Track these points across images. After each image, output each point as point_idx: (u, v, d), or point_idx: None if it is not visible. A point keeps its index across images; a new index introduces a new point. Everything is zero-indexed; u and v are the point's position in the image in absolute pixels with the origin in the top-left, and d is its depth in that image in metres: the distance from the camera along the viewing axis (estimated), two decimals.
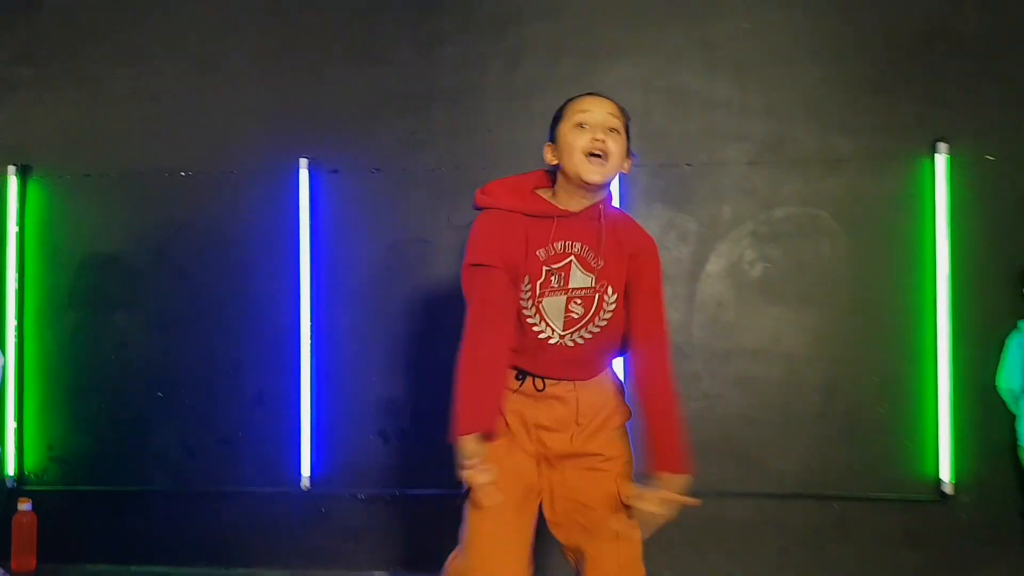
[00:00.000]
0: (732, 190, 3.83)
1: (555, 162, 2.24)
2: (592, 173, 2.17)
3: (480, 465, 2.07)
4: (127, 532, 4.04)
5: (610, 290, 2.23)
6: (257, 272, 3.99)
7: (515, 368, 2.25)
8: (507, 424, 2.25)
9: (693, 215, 3.85)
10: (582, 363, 2.28)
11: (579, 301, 2.21)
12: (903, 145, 3.74)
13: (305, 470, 3.89)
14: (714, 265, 3.83)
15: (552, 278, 2.20)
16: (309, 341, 3.90)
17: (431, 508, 3.80)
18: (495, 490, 2.08)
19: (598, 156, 2.17)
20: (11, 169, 4.06)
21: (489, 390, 2.13)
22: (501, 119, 3.93)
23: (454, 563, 2.30)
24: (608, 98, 2.28)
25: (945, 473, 3.66)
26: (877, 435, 3.73)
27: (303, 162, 3.92)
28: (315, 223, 3.94)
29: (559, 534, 2.31)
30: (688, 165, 3.84)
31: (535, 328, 2.22)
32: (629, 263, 2.25)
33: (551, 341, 2.22)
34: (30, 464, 4.02)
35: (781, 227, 3.80)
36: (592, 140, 2.17)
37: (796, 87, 3.82)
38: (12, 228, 4.04)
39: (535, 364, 2.25)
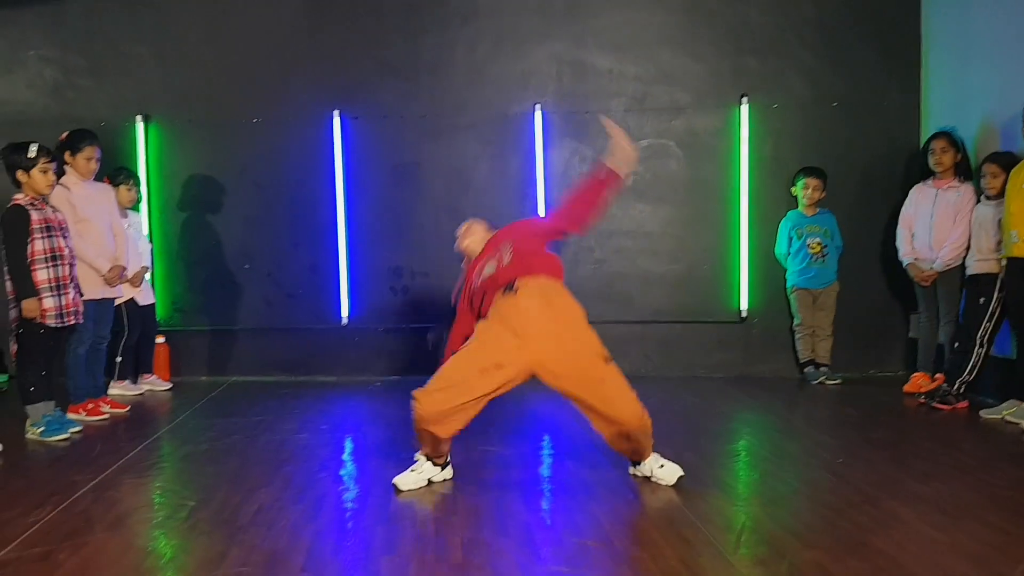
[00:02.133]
0: None
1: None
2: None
3: None
4: (226, 356, 6.15)
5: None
6: (307, 185, 6.01)
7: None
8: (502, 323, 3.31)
9: (590, 145, 5.93)
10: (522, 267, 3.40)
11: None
12: (722, 99, 5.85)
13: (344, 312, 6.03)
14: None
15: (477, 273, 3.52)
16: (344, 229, 5.98)
17: (423, 335, 5.92)
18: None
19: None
20: (138, 117, 6.03)
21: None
22: (465, 83, 5.95)
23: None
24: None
25: (744, 305, 5.87)
26: (703, 283, 5.93)
27: (336, 112, 5.95)
28: (346, 153, 5.97)
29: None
30: (586, 112, 5.90)
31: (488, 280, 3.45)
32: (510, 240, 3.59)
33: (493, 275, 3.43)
34: (161, 313, 6.05)
35: (645, 152, 5.88)
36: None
37: (654, 61, 5.88)
38: (142, 156, 6.03)
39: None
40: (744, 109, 5.79)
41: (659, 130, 5.89)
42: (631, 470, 3.53)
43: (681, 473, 3.40)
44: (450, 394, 3.22)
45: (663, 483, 3.40)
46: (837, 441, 4.12)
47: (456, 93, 5.94)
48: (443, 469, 3.48)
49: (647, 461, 3.46)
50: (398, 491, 3.35)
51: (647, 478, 3.45)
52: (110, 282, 4.88)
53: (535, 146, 5.90)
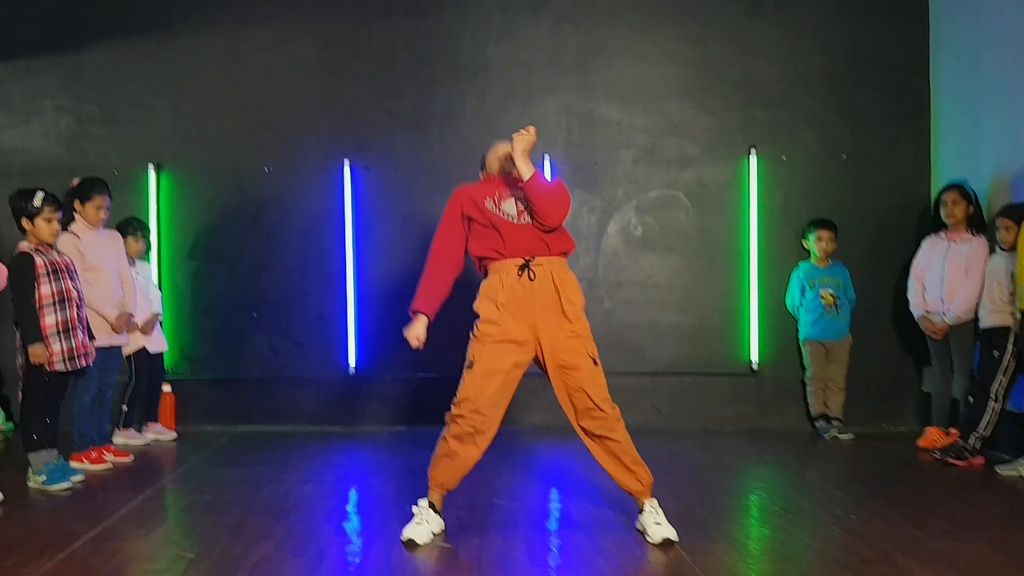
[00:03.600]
0: (622, 179, 5.94)
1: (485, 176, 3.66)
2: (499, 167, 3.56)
3: (418, 337, 3.43)
4: (233, 405, 6.11)
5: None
6: (317, 234, 6.03)
7: (508, 259, 3.36)
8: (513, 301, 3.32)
9: (599, 196, 5.95)
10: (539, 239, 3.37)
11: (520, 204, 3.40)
12: (730, 150, 5.86)
13: (351, 361, 6.00)
14: (612, 228, 5.94)
15: (497, 198, 3.43)
16: (353, 278, 5.98)
17: (432, 385, 5.87)
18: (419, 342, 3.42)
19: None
20: (151, 166, 6.08)
21: (438, 288, 3.48)
22: (475, 133, 5.98)
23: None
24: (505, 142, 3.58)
25: (754, 357, 5.82)
26: (713, 334, 5.88)
27: (346, 161, 5.99)
28: (355, 202, 6.00)
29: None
30: (595, 163, 5.93)
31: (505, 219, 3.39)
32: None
33: (513, 222, 3.37)
34: (169, 362, 6.01)
35: (653, 203, 5.91)
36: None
37: (662, 112, 5.92)
38: (153, 205, 6.07)
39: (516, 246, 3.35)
40: (753, 160, 5.81)
41: (668, 181, 5.91)
42: (637, 524, 3.45)
43: (672, 537, 3.27)
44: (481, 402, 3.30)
45: (650, 539, 3.29)
46: (851, 497, 4.04)
47: (465, 143, 5.97)
48: (440, 518, 3.42)
49: (646, 509, 3.37)
50: (414, 545, 3.26)
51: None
52: (117, 329, 4.87)
53: None
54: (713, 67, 5.89)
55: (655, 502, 3.40)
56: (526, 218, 3.40)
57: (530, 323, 3.34)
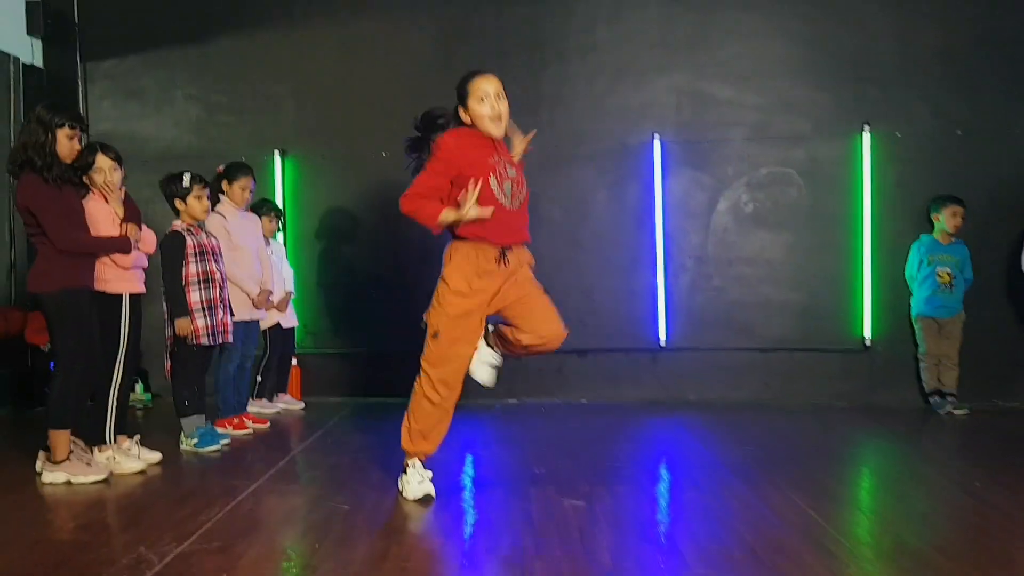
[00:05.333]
0: (733, 157, 6.00)
1: (468, 122, 3.38)
2: (496, 129, 3.35)
3: (467, 208, 3.23)
4: (353, 377, 6.41)
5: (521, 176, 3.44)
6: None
7: (492, 245, 3.34)
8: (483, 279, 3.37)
9: (709, 173, 6.02)
10: (523, 225, 3.45)
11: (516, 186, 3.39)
12: (842, 126, 5.86)
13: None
14: (722, 205, 6.01)
15: (503, 170, 3.35)
16: None
17: (543, 360, 6.04)
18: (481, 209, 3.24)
19: (499, 119, 3.33)
20: (276, 152, 6.40)
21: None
22: (585, 115, 6.10)
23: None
24: (493, 74, 3.38)
25: (868, 333, 5.82)
26: (825, 311, 5.90)
27: None
28: None
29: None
30: (706, 142, 6.00)
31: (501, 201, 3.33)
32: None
33: (508, 207, 3.34)
34: (296, 336, 6.36)
35: (765, 180, 5.95)
36: (493, 110, 3.31)
37: (774, 89, 5.95)
38: (279, 189, 6.39)
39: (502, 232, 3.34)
40: (866, 137, 5.79)
41: (780, 159, 5.94)
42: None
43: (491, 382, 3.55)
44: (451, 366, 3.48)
45: (474, 374, 3.53)
46: (973, 466, 4.06)
47: (576, 124, 6.11)
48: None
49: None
50: (430, 499, 3.50)
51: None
52: (258, 305, 5.19)
53: (654, 175, 6.01)
54: (825, 44, 5.89)
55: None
56: (519, 200, 3.43)
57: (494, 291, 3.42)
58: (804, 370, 5.92)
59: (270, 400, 5.86)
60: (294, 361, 6.17)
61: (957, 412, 5.48)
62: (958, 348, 5.58)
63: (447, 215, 3.33)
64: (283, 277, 5.86)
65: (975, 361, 5.64)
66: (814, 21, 5.89)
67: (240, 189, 5.18)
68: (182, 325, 4.48)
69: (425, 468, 3.59)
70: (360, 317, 6.37)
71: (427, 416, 3.50)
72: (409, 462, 3.57)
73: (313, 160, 6.42)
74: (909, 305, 5.75)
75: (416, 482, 3.54)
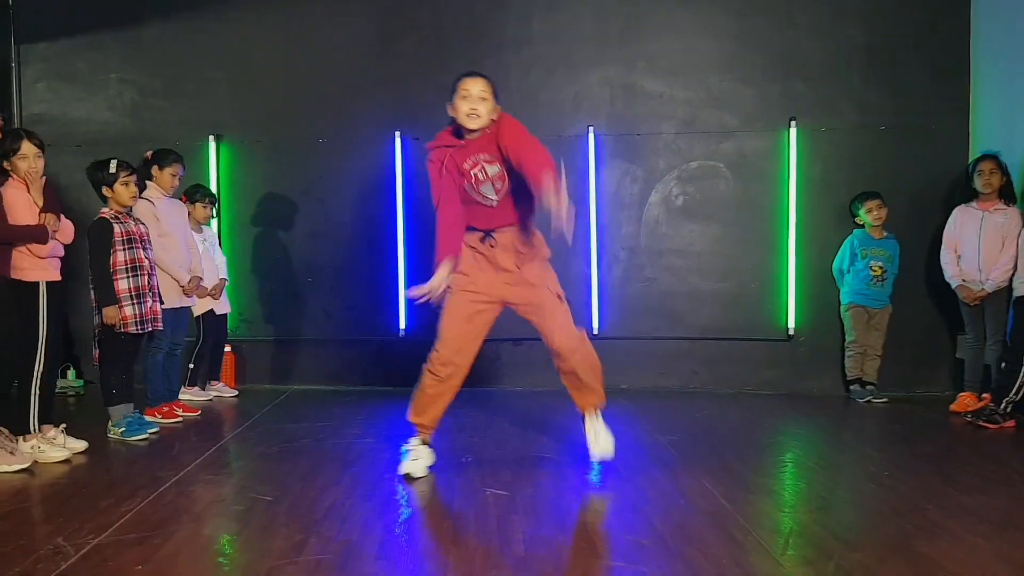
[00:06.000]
0: (664, 150, 6.11)
1: (453, 116, 3.61)
2: (471, 123, 3.54)
3: (441, 280, 3.51)
4: (289, 365, 6.44)
5: (504, 170, 3.55)
6: (369, 203, 6.28)
7: (477, 230, 3.66)
8: (478, 261, 3.69)
9: (641, 166, 6.13)
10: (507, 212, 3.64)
11: (498, 183, 3.58)
12: (769, 121, 6.00)
13: (401, 324, 6.27)
14: (654, 198, 6.12)
15: (478, 173, 3.57)
16: (403, 246, 6.22)
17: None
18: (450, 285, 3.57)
19: (474, 115, 3.52)
20: (211, 137, 6.35)
21: (452, 236, 3.62)
22: (520, 106, 6.13)
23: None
24: (481, 76, 3.58)
25: (791, 323, 6.00)
26: (751, 301, 6.07)
27: (397, 134, 6.21)
28: (406, 173, 6.23)
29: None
30: (638, 135, 6.10)
31: (480, 201, 3.61)
32: (501, 146, 3.52)
33: (488, 205, 3.62)
34: (229, 323, 6.33)
35: (694, 173, 6.08)
36: (470, 108, 3.52)
37: (703, 85, 6.07)
38: (213, 175, 6.34)
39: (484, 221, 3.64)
40: (793, 132, 5.94)
41: (708, 152, 6.07)
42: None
43: (611, 452, 3.88)
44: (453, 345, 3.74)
45: (594, 455, 3.88)
46: (884, 455, 4.23)
47: (511, 115, 6.14)
48: (431, 450, 3.89)
49: (588, 418, 3.93)
50: (411, 478, 3.72)
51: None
52: (188, 292, 5.17)
53: (588, 167, 6.10)
54: (754, 40, 6.02)
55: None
56: (501, 195, 3.64)
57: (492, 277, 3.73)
58: (730, 358, 6.08)
59: (202, 388, 5.85)
60: (228, 348, 6.15)
61: (876, 401, 5.67)
62: (883, 340, 5.78)
63: (440, 270, 3.59)
64: (216, 264, 5.84)
65: (897, 352, 5.85)
66: (743, 17, 6.02)
67: (170, 175, 5.15)
68: (110, 313, 4.45)
69: (429, 446, 3.88)
70: (295, 304, 6.38)
71: (423, 390, 3.82)
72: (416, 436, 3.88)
73: (248, 145, 6.38)
74: (835, 297, 5.92)
75: (409, 459, 3.80)
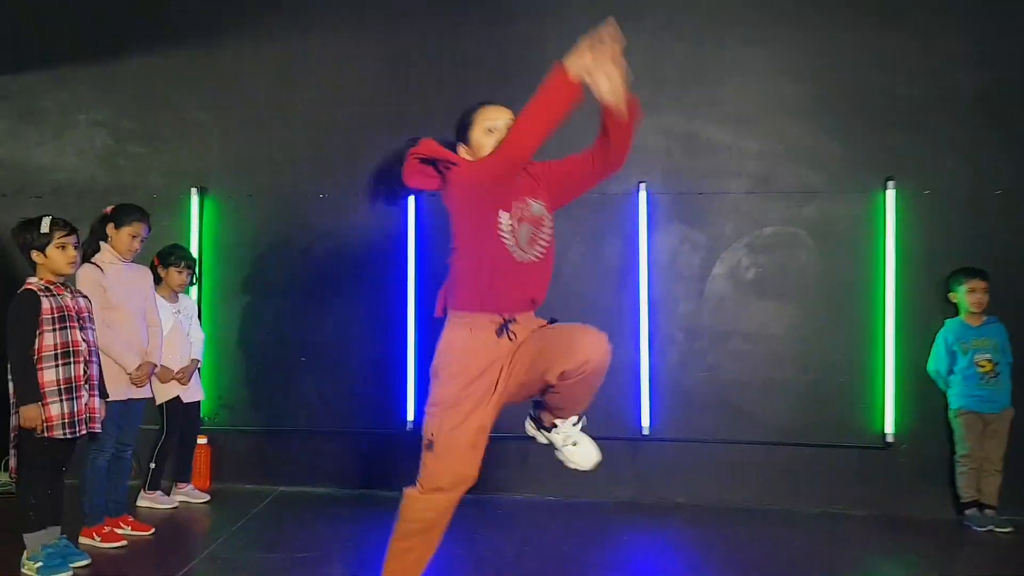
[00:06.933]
0: (732, 213, 5.08)
1: (467, 157, 2.75)
2: None
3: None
4: (275, 461, 5.37)
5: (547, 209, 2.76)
6: (376, 269, 5.29)
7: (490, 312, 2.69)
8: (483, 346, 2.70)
9: (703, 231, 5.11)
10: (540, 283, 2.75)
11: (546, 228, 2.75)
12: (861, 181, 4.97)
13: (410, 415, 5.22)
14: (718, 270, 5.09)
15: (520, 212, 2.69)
16: (414, 320, 5.21)
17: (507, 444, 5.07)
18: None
19: None
20: (193, 190, 5.42)
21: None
22: (557, 158, 5.19)
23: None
24: (505, 107, 2.76)
25: (889, 428, 4.88)
26: (838, 398, 4.96)
27: None
28: (419, 233, 5.25)
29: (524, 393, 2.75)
30: (700, 194, 5.09)
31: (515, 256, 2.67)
32: (544, 179, 2.81)
33: (519, 258, 2.66)
34: (206, 409, 5.31)
35: (769, 241, 5.04)
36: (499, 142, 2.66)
37: (781, 135, 5.05)
38: (195, 234, 5.40)
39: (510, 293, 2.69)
40: (890, 195, 4.91)
41: (786, 216, 5.04)
42: (531, 429, 2.96)
43: (598, 459, 2.85)
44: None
45: (572, 464, 2.86)
46: None
47: None
48: None
49: (563, 424, 2.84)
50: None
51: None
52: (137, 382, 4.17)
53: (638, 231, 5.09)
54: (843, 84, 5.01)
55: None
56: (539, 248, 2.70)
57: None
58: (813, 469, 4.97)
59: (167, 493, 4.84)
60: (201, 440, 5.16)
61: (999, 531, 4.54)
62: (1003, 451, 4.66)
63: None
64: (190, 341, 4.89)
65: (1021, 466, 4.71)
66: (828, 55, 5.03)
67: (128, 236, 4.19)
68: (29, 414, 3.45)
69: None
70: (286, 388, 5.38)
71: (406, 549, 2.79)
72: None
73: (238, 200, 5.45)
74: (943, 396, 4.82)
75: None
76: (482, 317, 2.70)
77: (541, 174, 2.79)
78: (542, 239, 2.72)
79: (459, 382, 2.68)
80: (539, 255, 2.71)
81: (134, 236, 4.21)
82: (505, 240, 2.63)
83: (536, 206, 2.72)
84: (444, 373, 2.73)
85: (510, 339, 2.68)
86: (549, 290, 2.82)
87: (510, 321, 2.70)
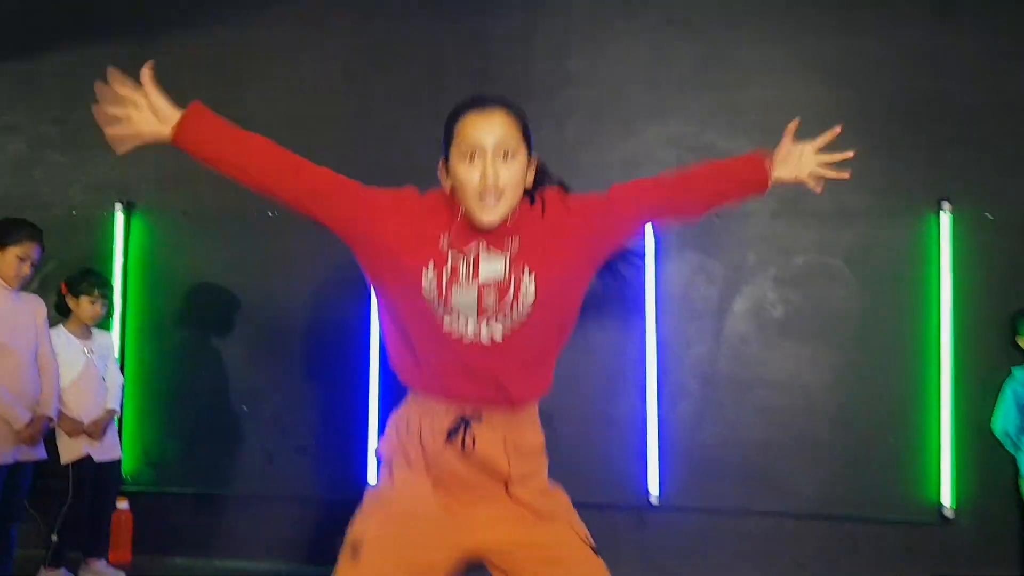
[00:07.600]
0: (756, 239, 4.34)
1: (449, 188, 1.96)
2: (487, 215, 1.88)
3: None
4: (210, 530, 4.60)
5: (527, 272, 1.91)
6: (332, 302, 4.55)
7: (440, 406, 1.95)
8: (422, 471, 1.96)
9: (720, 260, 4.36)
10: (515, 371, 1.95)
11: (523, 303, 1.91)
12: (909, 203, 4.24)
13: (371, 476, 4.41)
14: (739, 305, 4.33)
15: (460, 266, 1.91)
16: (378, 362, 4.43)
17: None
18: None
19: (490, 195, 1.86)
20: (118, 205, 4.71)
21: None
22: (553, 169, 4.45)
23: None
24: (498, 108, 1.93)
25: (946, 499, 4.10)
26: (885, 462, 4.19)
27: None
28: None
29: None
30: (717, 217, 4.32)
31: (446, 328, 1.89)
32: (585, 232, 2.01)
33: (464, 340, 1.90)
34: (128, 467, 4.55)
35: (800, 272, 4.29)
36: (482, 180, 1.86)
37: None
38: (119, 257, 4.64)
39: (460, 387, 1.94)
40: (944, 219, 4.16)
41: (820, 243, 4.30)
42: None
43: None
44: None
45: None
46: None
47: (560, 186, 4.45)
48: None
49: None
50: None
51: None
52: (28, 440, 3.36)
53: (644, 260, 4.34)
54: (881, 90, 4.31)
55: None
56: (506, 323, 1.91)
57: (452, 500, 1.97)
58: (855, 546, 4.19)
59: (73, 571, 4.05)
60: (122, 504, 4.43)
61: None
62: None
63: None
64: (104, 388, 4.13)
65: None
66: (866, 55, 4.33)
67: (16, 259, 3.49)
68: None
69: None
70: (225, 443, 4.64)
71: None
72: None
73: (171, 217, 4.74)
74: (1012, 460, 4.05)
75: None
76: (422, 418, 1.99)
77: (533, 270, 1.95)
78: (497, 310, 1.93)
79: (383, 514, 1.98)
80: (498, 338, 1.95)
81: (22, 259, 3.49)
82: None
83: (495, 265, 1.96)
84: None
85: (465, 447, 1.92)
86: None
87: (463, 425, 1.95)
